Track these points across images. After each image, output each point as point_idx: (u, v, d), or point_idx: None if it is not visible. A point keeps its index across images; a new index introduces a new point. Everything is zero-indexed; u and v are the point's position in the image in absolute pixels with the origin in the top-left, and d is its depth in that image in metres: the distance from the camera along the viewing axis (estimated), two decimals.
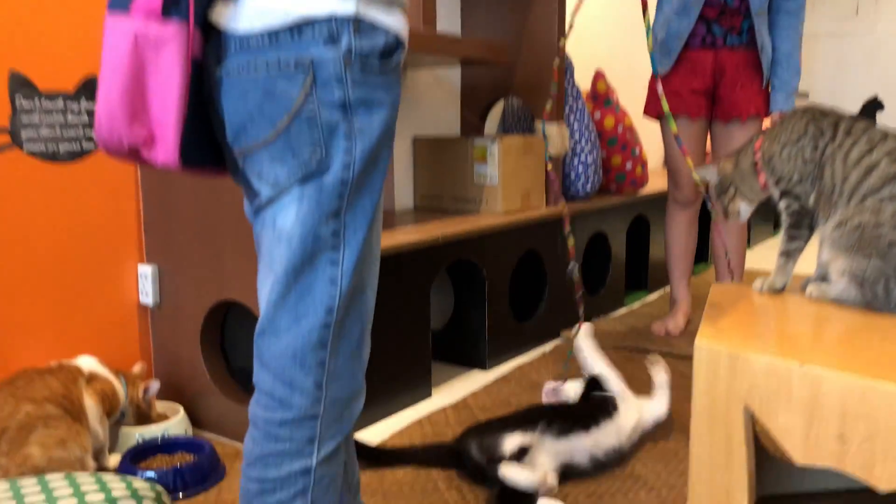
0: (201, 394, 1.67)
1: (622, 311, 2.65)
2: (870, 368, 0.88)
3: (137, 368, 1.59)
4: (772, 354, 0.94)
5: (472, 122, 2.44)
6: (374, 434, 1.65)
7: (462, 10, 2.43)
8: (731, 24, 2.15)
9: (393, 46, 0.87)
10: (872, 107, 5.04)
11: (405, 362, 1.79)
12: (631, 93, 3.24)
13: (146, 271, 1.71)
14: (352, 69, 0.84)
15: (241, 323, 1.74)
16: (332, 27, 0.82)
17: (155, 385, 1.58)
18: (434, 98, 2.39)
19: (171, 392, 1.71)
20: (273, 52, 0.83)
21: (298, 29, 0.83)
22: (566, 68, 2.40)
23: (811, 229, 1.25)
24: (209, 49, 0.88)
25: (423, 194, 2.31)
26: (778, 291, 1.28)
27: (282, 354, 0.86)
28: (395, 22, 0.88)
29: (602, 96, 2.58)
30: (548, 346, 2.27)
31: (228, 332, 1.74)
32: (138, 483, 1.18)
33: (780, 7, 2.16)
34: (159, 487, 1.21)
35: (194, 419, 1.68)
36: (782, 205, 1.27)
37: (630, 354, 2.17)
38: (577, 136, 2.40)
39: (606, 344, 2.24)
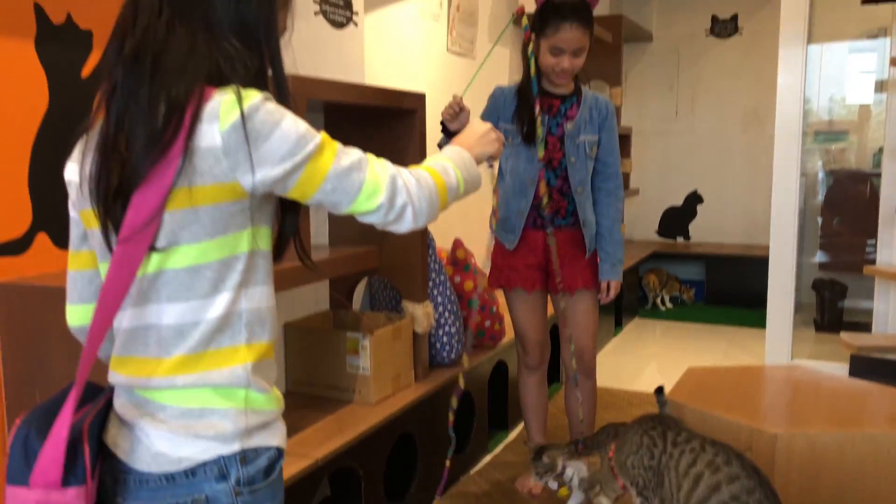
0: None
1: (486, 459, 2.81)
2: None
3: None
4: None
5: (341, 301, 2.52)
6: None
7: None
8: (556, 207, 2.36)
9: (275, 458, 1.00)
10: (693, 200, 5.58)
11: None
12: (486, 254, 3.43)
13: None
14: (242, 495, 0.95)
15: None
16: (221, 465, 0.94)
17: None
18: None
19: None
20: (170, 493, 0.94)
21: (192, 471, 0.92)
22: (428, 244, 2.54)
23: None
24: (106, 469, 0.95)
25: (295, 380, 2.36)
26: None
27: None
28: (275, 436, 1.00)
29: (461, 262, 2.74)
30: None
31: None
32: None
33: (599, 187, 2.42)
34: None
35: None
36: (638, 501, 1.45)
37: None
38: (440, 308, 2.53)
39: None
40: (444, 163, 1.14)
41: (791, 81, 3.59)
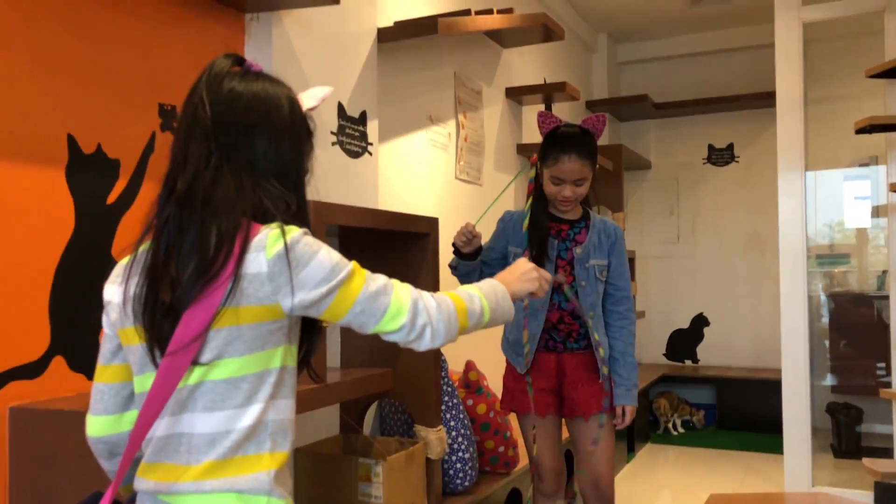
0: None
1: None
2: None
3: None
4: None
5: (352, 425, 2.47)
6: None
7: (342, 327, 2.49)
8: (569, 329, 2.35)
9: None
10: (700, 322, 5.58)
11: None
12: (500, 378, 3.42)
13: None
14: None
15: None
16: None
17: None
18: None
19: None
20: None
21: None
22: (441, 366, 2.52)
23: None
24: None
25: None
26: None
27: None
28: None
29: (474, 385, 2.71)
30: None
31: None
32: None
33: (611, 311, 2.41)
34: None
35: None
36: None
37: None
38: (453, 433, 2.48)
39: None
40: (471, 291, 1.25)
41: (792, 207, 3.67)
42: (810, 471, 3.63)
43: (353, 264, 1.11)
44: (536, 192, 2.36)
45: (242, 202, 1.06)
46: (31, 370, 1.69)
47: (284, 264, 1.03)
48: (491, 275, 1.41)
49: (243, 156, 1.09)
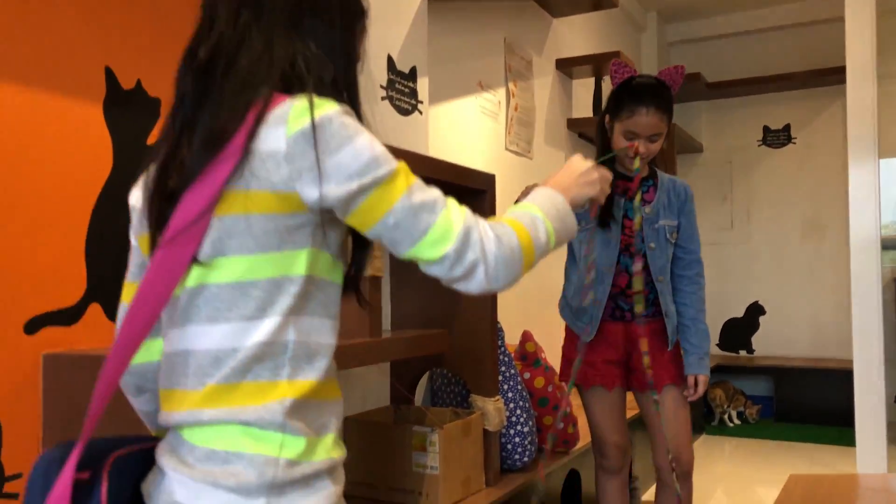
0: None
1: None
2: None
3: None
4: None
5: (403, 392, 2.32)
6: None
7: (392, 288, 2.36)
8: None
9: None
10: (755, 311, 5.34)
11: None
12: (558, 350, 3.24)
13: None
14: None
15: None
16: None
17: None
18: (363, 370, 2.27)
19: None
20: None
21: None
22: (498, 334, 2.35)
23: None
24: None
25: (354, 481, 2.12)
26: None
27: None
28: (320, 497, 0.83)
29: (531, 357, 2.54)
30: None
31: None
32: None
33: (681, 275, 2.24)
34: None
35: None
36: None
37: None
38: (511, 405, 2.31)
39: None
40: (533, 213, 0.99)
41: (864, 188, 3.39)
42: (885, 462, 3.39)
43: (400, 164, 0.89)
44: (605, 150, 2.19)
45: (269, 67, 0.87)
46: (67, 316, 1.57)
47: (309, 145, 0.83)
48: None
49: (279, 15, 0.90)
